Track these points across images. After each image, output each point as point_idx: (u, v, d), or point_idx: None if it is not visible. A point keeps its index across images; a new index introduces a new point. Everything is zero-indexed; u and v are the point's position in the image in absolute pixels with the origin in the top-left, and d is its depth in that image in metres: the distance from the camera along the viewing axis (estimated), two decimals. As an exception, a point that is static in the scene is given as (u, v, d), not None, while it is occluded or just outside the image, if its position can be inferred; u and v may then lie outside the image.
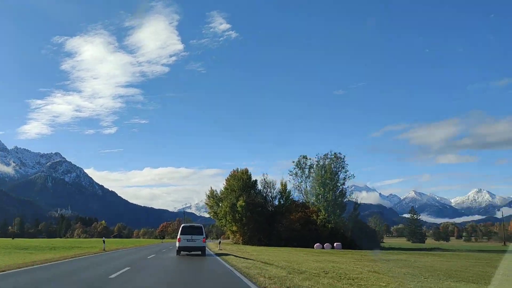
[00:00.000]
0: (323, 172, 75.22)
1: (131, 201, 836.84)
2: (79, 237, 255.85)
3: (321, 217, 72.56)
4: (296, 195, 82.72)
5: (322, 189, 73.85)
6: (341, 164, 75.59)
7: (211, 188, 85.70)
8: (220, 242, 60.71)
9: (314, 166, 78.75)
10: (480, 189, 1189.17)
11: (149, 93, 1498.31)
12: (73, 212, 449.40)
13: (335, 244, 69.02)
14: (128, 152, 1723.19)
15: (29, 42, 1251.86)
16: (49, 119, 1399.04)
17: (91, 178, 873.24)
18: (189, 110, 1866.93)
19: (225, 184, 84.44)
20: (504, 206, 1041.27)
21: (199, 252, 28.26)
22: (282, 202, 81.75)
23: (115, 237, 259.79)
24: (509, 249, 74.69)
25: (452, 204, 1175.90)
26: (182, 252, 28.35)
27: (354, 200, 74.35)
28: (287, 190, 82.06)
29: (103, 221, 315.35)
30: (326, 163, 76.54)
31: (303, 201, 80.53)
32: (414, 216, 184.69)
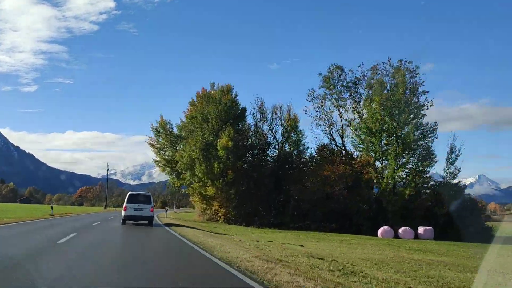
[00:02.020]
0: (388, 91, 37.97)
1: (50, 164, 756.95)
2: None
3: (389, 174, 35.45)
4: (318, 137, 45.20)
5: (389, 123, 36.59)
6: (415, 83, 38.71)
7: (161, 117, 44.81)
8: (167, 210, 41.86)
9: (364, 81, 41.44)
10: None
11: (75, 51, 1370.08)
12: None
13: (421, 229, 33.29)
14: (49, 113, 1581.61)
15: None
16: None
17: (5, 138, 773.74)
18: (118, 73, 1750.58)
19: (189, 111, 44.20)
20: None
21: (146, 222, 24.30)
22: (292, 150, 43.29)
23: (22, 201, 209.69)
24: None
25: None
26: (127, 222, 24.26)
27: (449, 146, 37.14)
28: (300, 132, 43.71)
29: (11, 183, 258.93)
30: (386, 75, 39.33)
31: (335, 146, 42.94)
32: None
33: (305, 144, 43.84)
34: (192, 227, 25.11)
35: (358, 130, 39.18)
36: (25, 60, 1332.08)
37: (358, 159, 38.65)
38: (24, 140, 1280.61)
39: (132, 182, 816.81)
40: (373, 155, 37.59)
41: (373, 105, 38.04)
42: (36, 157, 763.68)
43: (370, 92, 41.27)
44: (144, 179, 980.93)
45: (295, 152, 42.67)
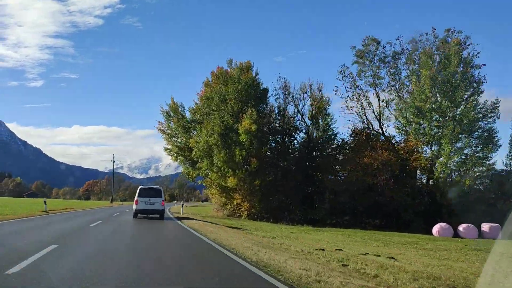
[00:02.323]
0: (437, 65, 32.14)
1: (57, 159, 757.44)
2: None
3: (443, 161, 29.72)
4: (351, 120, 39.47)
5: (442, 101, 30.83)
6: (467, 55, 32.80)
7: (171, 99, 39.11)
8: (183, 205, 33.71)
9: (403, 56, 35.63)
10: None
11: (81, 46, 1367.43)
12: None
13: (485, 226, 27.78)
14: (55, 108, 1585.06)
15: None
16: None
17: (13, 132, 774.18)
18: (123, 67, 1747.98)
19: (203, 92, 38.56)
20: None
21: (158, 215, 23.90)
22: (321, 135, 37.57)
23: (28, 196, 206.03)
24: None
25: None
26: (139, 215, 24.07)
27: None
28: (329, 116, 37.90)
29: (18, 178, 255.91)
30: (436, 47, 33.48)
31: (371, 130, 37.26)
32: None
33: (334, 128, 38.12)
34: (221, 226, 19.74)
35: (404, 110, 33.37)
36: (30, 55, 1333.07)
37: (403, 144, 32.90)
38: (31, 134, 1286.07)
39: (139, 176, 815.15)
40: (422, 139, 31.83)
41: (421, 81, 32.23)
42: (43, 151, 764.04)
43: (412, 67, 35.61)
44: (151, 173, 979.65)
45: (325, 137, 36.95)
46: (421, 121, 31.60)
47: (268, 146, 34.74)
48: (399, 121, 34.45)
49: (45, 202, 26.52)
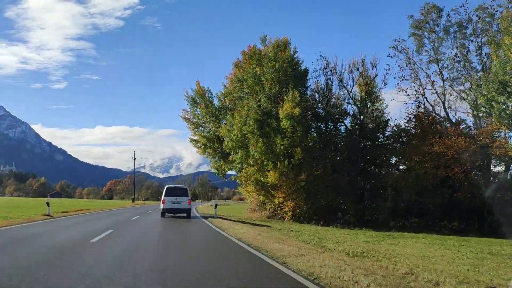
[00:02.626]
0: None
1: (81, 159, 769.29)
2: (11, 195, 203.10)
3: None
4: (408, 103, 33.09)
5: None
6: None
7: (197, 84, 33.80)
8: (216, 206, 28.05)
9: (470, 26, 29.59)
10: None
11: (102, 47, 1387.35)
12: (17, 169, 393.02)
13: None
14: (78, 109, 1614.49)
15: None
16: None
17: (38, 134, 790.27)
18: (144, 68, 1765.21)
19: (233, 75, 33.25)
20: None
21: (184, 214, 24.08)
22: (373, 120, 31.60)
23: (52, 196, 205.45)
24: None
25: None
26: (166, 214, 24.29)
27: None
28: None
29: (43, 178, 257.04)
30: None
31: (435, 114, 31.17)
32: None
33: (386, 114, 32.20)
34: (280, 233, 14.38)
35: (481, 86, 27.24)
36: (53, 57, 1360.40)
37: (483, 128, 26.79)
38: (56, 136, 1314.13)
39: (160, 175, 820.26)
40: (506, 121, 25.68)
41: (501, 52, 26.08)
42: (68, 152, 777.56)
43: (483, 40, 29.56)
44: (172, 172, 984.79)
45: (377, 123, 31.10)
46: (505, 100, 25.42)
47: (314, 133, 29.12)
48: (473, 100, 28.28)
49: (48, 204, 21.43)
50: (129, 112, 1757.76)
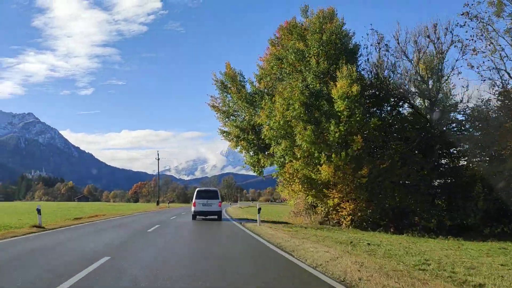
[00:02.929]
0: None
1: (108, 163, 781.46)
2: (40, 200, 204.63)
3: None
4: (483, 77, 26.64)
5: None
6: None
7: (227, 66, 28.68)
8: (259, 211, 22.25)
9: None
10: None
11: (127, 53, 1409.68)
12: (47, 174, 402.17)
13: None
14: (105, 114, 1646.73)
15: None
16: (22, 79, 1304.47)
17: (66, 139, 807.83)
18: (168, 72, 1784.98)
19: (268, 54, 27.89)
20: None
21: (215, 217, 24.24)
22: (444, 101, 25.57)
23: (79, 200, 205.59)
24: None
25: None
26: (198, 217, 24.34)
27: None
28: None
29: (70, 182, 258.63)
30: None
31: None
32: None
33: (456, 94, 26.14)
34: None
35: None
36: (80, 64, 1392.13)
37: None
38: (84, 140, 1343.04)
39: (186, 178, 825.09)
40: None
41: None
42: (95, 156, 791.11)
43: None
44: (197, 174, 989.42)
45: (448, 104, 25.17)
46: None
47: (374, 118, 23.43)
48: None
49: (38, 212, 16.22)
50: (154, 116, 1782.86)
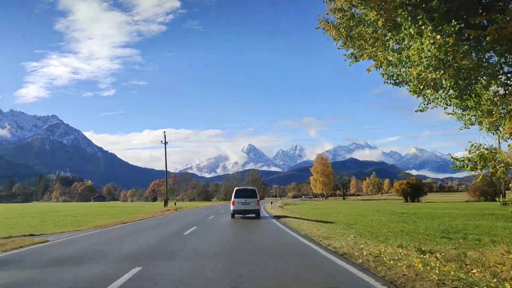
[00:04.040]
0: None
1: (131, 163, 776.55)
2: (57, 200, 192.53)
3: None
4: None
5: None
6: None
7: None
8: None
9: None
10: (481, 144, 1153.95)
11: (147, 53, 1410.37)
12: (71, 174, 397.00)
13: None
14: (127, 115, 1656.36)
15: (20, 2, 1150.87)
16: (46, 82, 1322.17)
17: (90, 140, 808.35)
18: (188, 70, 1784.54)
19: None
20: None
21: (254, 215, 24.51)
22: None
23: (96, 199, 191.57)
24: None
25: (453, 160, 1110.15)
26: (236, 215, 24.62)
27: None
28: None
29: (89, 181, 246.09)
30: None
31: None
32: None
33: None
34: None
35: None
36: (102, 66, 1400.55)
37: None
38: (107, 141, 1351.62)
39: (208, 175, 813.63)
40: None
41: None
42: (118, 156, 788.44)
43: None
44: (219, 171, 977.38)
45: None
46: None
47: None
48: None
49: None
50: (175, 115, 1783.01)
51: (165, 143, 47.50)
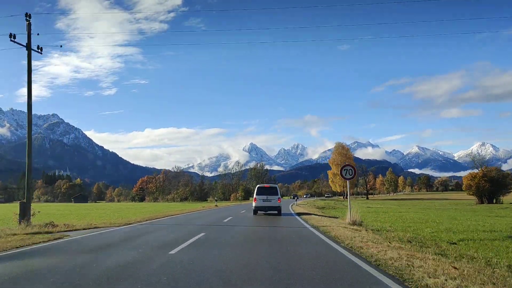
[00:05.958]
0: None
1: (132, 162, 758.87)
2: (39, 200, 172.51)
3: None
4: None
5: None
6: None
7: None
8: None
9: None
10: (484, 142, 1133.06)
11: (148, 52, 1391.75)
12: (71, 173, 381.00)
13: None
14: (128, 114, 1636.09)
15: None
16: (48, 81, 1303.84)
17: (90, 139, 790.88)
18: (189, 69, 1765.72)
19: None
20: (508, 158, 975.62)
21: (275, 212, 25.15)
22: None
23: (76, 199, 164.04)
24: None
25: (455, 158, 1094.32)
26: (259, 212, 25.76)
27: None
28: None
29: (78, 179, 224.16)
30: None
31: None
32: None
33: None
34: None
35: None
36: (103, 65, 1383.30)
37: None
38: (107, 140, 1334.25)
39: (209, 174, 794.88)
40: None
41: None
42: (119, 155, 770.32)
43: None
44: (221, 170, 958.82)
45: None
46: None
47: None
48: None
49: None
50: (176, 114, 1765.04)
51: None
